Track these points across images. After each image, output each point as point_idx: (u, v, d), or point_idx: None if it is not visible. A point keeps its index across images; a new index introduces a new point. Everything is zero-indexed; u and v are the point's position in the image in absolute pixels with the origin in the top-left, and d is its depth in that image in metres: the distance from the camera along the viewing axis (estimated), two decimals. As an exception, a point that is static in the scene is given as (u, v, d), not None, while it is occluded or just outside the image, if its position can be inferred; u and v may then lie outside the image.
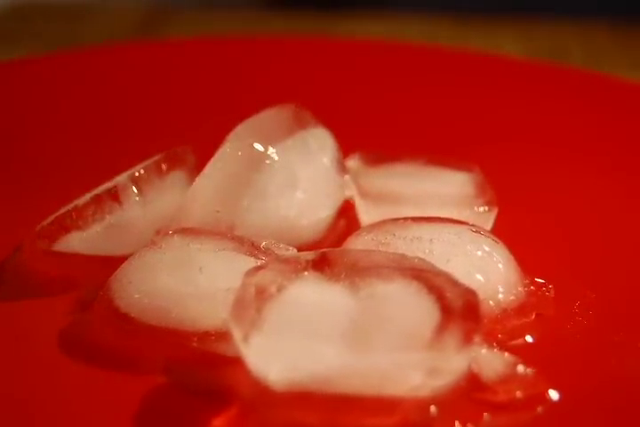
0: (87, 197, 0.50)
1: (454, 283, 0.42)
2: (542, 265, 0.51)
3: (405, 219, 0.49)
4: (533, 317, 0.47)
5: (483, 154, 0.63)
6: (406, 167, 0.57)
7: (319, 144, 0.53)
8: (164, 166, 0.52)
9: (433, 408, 0.40)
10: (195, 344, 0.44)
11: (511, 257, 0.48)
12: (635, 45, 1.07)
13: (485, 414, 0.42)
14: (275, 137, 0.51)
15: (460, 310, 0.40)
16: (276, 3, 1.31)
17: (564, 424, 0.42)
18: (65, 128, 0.68)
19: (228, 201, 0.50)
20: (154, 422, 0.42)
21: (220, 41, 0.84)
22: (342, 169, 0.54)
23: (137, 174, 0.51)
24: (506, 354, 0.43)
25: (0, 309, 0.49)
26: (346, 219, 0.55)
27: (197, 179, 0.50)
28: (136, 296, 0.45)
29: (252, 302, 0.41)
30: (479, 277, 0.46)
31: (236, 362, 0.40)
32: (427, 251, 0.47)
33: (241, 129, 0.51)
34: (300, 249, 0.49)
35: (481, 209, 0.52)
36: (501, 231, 0.52)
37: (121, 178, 0.51)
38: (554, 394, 0.43)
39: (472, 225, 0.49)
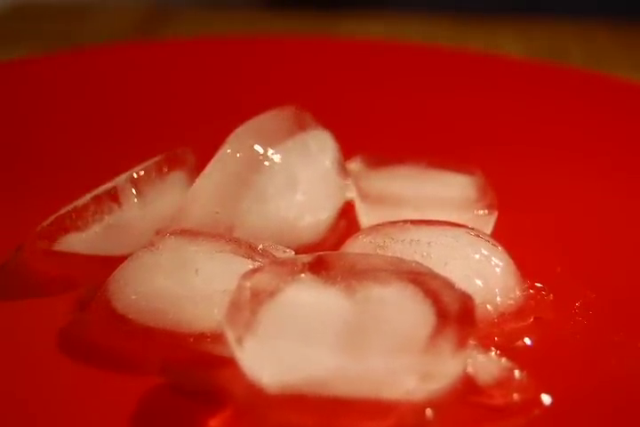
0: (87, 197, 0.51)
1: (451, 287, 0.42)
2: (542, 267, 0.51)
3: (404, 222, 0.49)
4: (531, 320, 0.47)
5: (482, 154, 0.64)
6: (407, 170, 0.57)
7: (319, 146, 0.53)
8: (163, 167, 0.53)
9: (429, 412, 0.40)
10: (191, 345, 0.44)
11: (510, 261, 0.48)
12: (635, 45, 1.07)
13: (482, 417, 0.42)
14: (275, 139, 0.51)
15: (455, 315, 0.40)
16: (276, 3, 1.31)
17: (564, 425, 0.42)
18: (65, 128, 0.68)
19: (228, 202, 0.50)
20: (149, 422, 0.42)
21: (219, 41, 0.84)
22: (343, 171, 0.54)
23: (136, 175, 0.51)
24: (502, 358, 0.43)
25: (0, 308, 0.49)
26: (346, 220, 0.55)
27: (197, 180, 0.50)
28: (133, 297, 0.45)
29: (247, 305, 0.41)
30: (477, 280, 0.46)
31: (232, 363, 0.40)
32: (424, 254, 0.47)
33: (241, 130, 0.51)
34: (299, 250, 0.49)
35: (481, 212, 0.52)
36: (501, 234, 0.52)
37: (120, 179, 0.51)
38: (553, 395, 0.43)
39: (471, 228, 0.49)
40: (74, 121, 0.70)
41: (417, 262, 0.44)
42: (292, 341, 0.39)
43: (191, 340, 0.44)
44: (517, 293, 0.47)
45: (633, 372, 0.46)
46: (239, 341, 0.39)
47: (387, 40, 0.89)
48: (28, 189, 0.60)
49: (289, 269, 0.43)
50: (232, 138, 0.51)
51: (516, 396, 0.42)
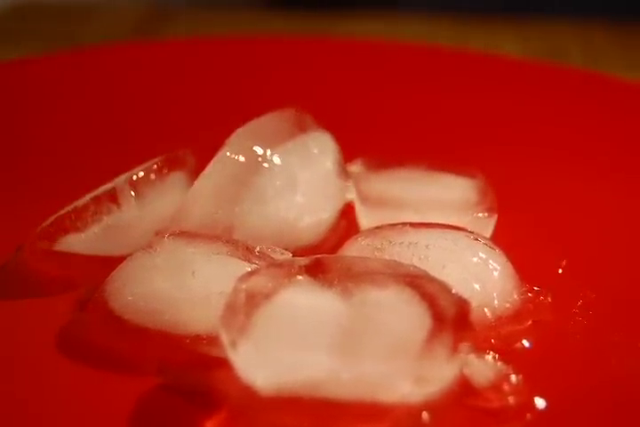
0: (86, 198, 0.51)
1: (448, 291, 0.42)
2: (542, 269, 0.52)
3: (403, 224, 0.49)
4: (529, 323, 0.47)
5: (481, 154, 0.64)
6: (408, 172, 0.57)
7: (320, 147, 0.53)
8: (163, 168, 0.53)
9: (424, 415, 0.40)
10: (187, 347, 0.44)
11: (508, 264, 0.48)
12: (633, 45, 1.07)
13: (478, 420, 0.42)
14: (275, 140, 0.51)
15: (451, 319, 0.40)
16: (276, 3, 1.30)
17: (563, 426, 0.42)
18: (65, 129, 0.68)
19: (228, 203, 0.50)
20: (144, 422, 0.42)
21: (219, 41, 0.84)
22: (343, 173, 0.54)
23: (136, 176, 0.52)
24: (498, 362, 0.43)
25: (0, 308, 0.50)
26: (346, 222, 0.55)
27: (197, 181, 0.50)
28: (130, 299, 0.46)
29: (243, 308, 0.41)
30: (474, 284, 0.46)
31: (228, 365, 0.40)
32: (422, 257, 0.47)
33: (241, 132, 0.51)
34: (299, 252, 0.49)
35: (481, 215, 0.52)
36: (501, 236, 0.52)
37: (120, 180, 0.51)
38: (553, 395, 0.43)
39: (470, 231, 0.49)
40: (74, 121, 0.70)
41: (414, 266, 0.44)
42: (287, 345, 0.40)
43: (187, 341, 0.45)
44: (515, 296, 0.47)
45: (633, 372, 0.46)
46: (234, 344, 0.40)
47: (386, 40, 0.88)
48: (28, 189, 0.60)
49: (285, 272, 0.43)
50: (232, 139, 0.51)
51: (511, 399, 0.42)
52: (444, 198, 0.54)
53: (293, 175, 0.51)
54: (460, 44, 0.99)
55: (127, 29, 1.11)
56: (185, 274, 0.45)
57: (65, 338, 0.46)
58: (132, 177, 0.51)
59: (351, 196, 0.54)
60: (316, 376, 0.39)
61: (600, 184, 0.61)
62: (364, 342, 0.40)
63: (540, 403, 0.43)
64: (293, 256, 0.47)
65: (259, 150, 0.50)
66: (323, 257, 0.44)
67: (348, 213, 0.55)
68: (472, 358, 0.43)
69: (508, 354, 0.45)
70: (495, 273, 0.47)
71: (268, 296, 0.41)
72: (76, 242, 0.50)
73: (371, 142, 0.65)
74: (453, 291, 0.42)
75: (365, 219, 0.53)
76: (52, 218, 0.50)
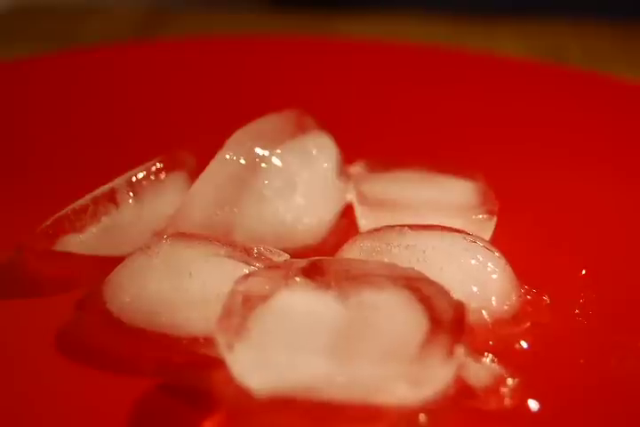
0: (85, 199, 0.51)
1: (445, 294, 0.42)
2: (541, 269, 0.51)
3: (402, 226, 0.49)
4: (528, 325, 0.47)
5: (481, 155, 0.64)
6: (409, 174, 0.57)
7: (319, 149, 0.53)
8: (162, 169, 0.53)
9: (421, 416, 0.40)
10: (184, 348, 0.45)
11: (507, 267, 0.48)
12: (633, 45, 1.07)
13: (476, 422, 0.42)
14: (275, 141, 0.51)
15: (448, 322, 0.40)
16: (275, 3, 1.31)
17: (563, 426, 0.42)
18: (64, 129, 0.68)
19: (227, 204, 0.50)
20: (141, 422, 0.42)
21: (219, 41, 0.84)
22: (343, 174, 0.54)
23: (134, 177, 0.52)
24: (494, 364, 0.44)
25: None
26: (346, 223, 0.55)
27: (196, 181, 0.51)
28: (127, 300, 0.46)
29: (239, 311, 0.41)
30: (472, 286, 0.46)
31: (225, 365, 0.40)
32: (420, 259, 0.47)
33: (241, 133, 0.51)
34: (298, 253, 0.49)
35: (480, 217, 0.52)
36: (501, 239, 0.52)
37: (118, 180, 0.52)
38: (553, 395, 0.43)
39: (468, 234, 0.49)
40: (74, 121, 0.70)
41: (412, 268, 0.44)
42: (283, 348, 0.40)
43: (184, 343, 0.45)
44: (514, 298, 0.47)
45: (633, 372, 0.46)
46: (230, 347, 0.40)
47: (384, 40, 0.88)
48: (27, 189, 0.60)
49: (282, 275, 0.43)
50: (232, 140, 0.51)
51: (509, 401, 0.42)
52: (444, 200, 0.54)
53: (293, 176, 0.51)
54: (458, 44, 0.99)
55: (127, 29, 1.11)
56: (182, 276, 0.45)
57: (64, 338, 0.46)
58: (130, 177, 0.51)
59: (351, 197, 0.54)
60: (313, 379, 0.39)
61: (600, 185, 0.61)
62: (360, 344, 0.40)
63: (538, 404, 0.43)
64: (292, 257, 0.47)
65: (259, 151, 0.50)
66: (320, 259, 0.44)
67: (348, 213, 0.55)
68: (469, 360, 0.43)
69: (506, 356, 0.45)
70: (494, 275, 0.47)
71: (264, 299, 0.41)
72: (75, 242, 0.50)
73: (370, 143, 0.65)
74: (451, 294, 0.42)
75: (365, 220, 0.53)
76: (52, 219, 0.50)
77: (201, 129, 0.68)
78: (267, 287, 0.42)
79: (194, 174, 0.53)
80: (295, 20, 1.13)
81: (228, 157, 0.50)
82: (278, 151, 0.51)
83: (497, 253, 0.48)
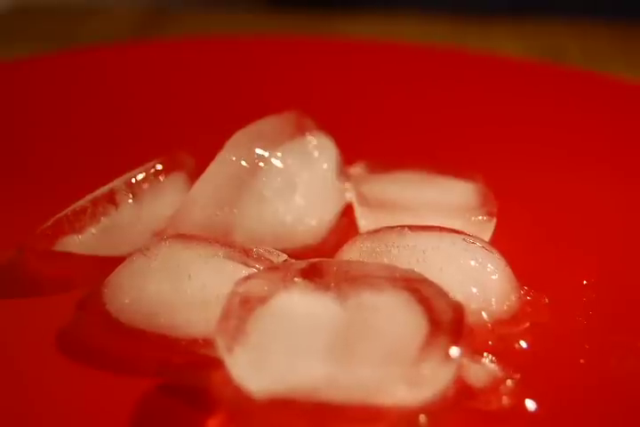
0: (85, 199, 0.51)
1: (444, 295, 0.42)
2: (541, 270, 0.51)
3: (402, 227, 0.49)
4: (527, 325, 0.47)
5: (480, 156, 0.64)
6: (408, 175, 0.57)
7: (319, 150, 0.53)
8: (161, 170, 0.53)
9: (421, 417, 0.40)
10: (183, 349, 0.45)
11: (506, 267, 0.48)
12: (631, 45, 1.07)
13: (475, 422, 0.42)
14: (274, 142, 0.51)
15: (447, 324, 0.40)
16: (273, 3, 1.31)
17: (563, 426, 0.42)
18: (64, 129, 0.68)
19: (227, 205, 0.50)
20: (141, 422, 0.42)
21: (218, 41, 0.84)
22: (342, 174, 0.54)
23: (133, 178, 0.52)
24: (493, 364, 0.44)
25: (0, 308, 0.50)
26: (346, 223, 0.55)
27: (197, 182, 0.51)
28: (126, 302, 0.46)
29: (238, 314, 0.41)
30: (472, 286, 0.46)
31: (224, 366, 0.40)
32: (420, 259, 0.47)
33: (241, 134, 0.51)
34: (298, 253, 0.49)
35: (480, 218, 0.52)
36: (500, 240, 0.52)
37: (118, 181, 0.52)
38: (553, 396, 0.43)
39: (468, 235, 0.49)
40: (73, 122, 0.70)
41: (411, 269, 0.44)
42: (282, 350, 0.40)
43: (183, 344, 0.45)
44: (513, 299, 0.47)
45: (633, 372, 0.46)
46: (229, 350, 0.40)
47: (384, 40, 0.88)
48: (27, 190, 0.60)
49: (281, 276, 0.43)
50: (232, 141, 0.51)
51: (509, 401, 0.42)
52: (444, 201, 0.54)
53: (293, 177, 0.51)
54: (458, 44, 0.99)
55: (126, 30, 1.11)
56: (181, 277, 0.45)
57: (64, 338, 0.47)
58: (129, 178, 0.52)
59: (351, 197, 0.54)
60: (311, 382, 0.39)
61: (600, 185, 0.61)
62: (359, 346, 0.40)
63: (538, 405, 0.42)
64: (292, 258, 0.47)
65: (258, 152, 0.51)
66: (319, 261, 0.44)
67: (348, 214, 0.55)
68: (469, 360, 0.43)
69: (506, 356, 0.45)
70: (493, 276, 0.47)
71: (263, 301, 0.41)
72: (75, 243, 0.50)
73: (369, 143, 0.65)
74: (450, 295, 0.42)
75: (365, 221, 0.53)
76: (52, 219, 0.50)
77: (200, 129, 0.68)
78: (266, 289, 0.42)
79: (193, 175, 0.53)
80: (293, 20, 1.14)
81: (228, 158, 0.50)
82: (278, 152, 0.51)
83: (496, 254, 0.48)
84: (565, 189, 0.61)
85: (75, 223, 0.50)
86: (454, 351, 0.39)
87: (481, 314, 0.46)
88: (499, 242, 0.51)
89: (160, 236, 0.49)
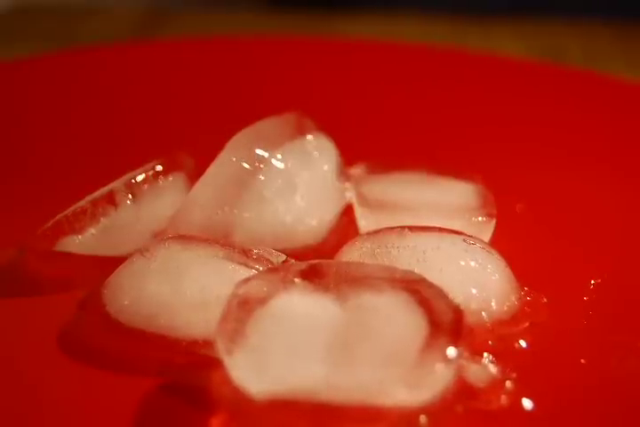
0: (85, 200, 0.51)
1: (444, 297, 0.42)
2: (541, 271, 0.51)
3: (402, 228, 0.49)
4: (526, 325, 0.47)
5: (480, 156, 0.64)
6: (409, 176, 0.57)
7: (319, 150, 0.53)
8: (161, 170, 0.53)
9: (421, 417, 0.40)
10: (183, 350, 0.45)
11: (506, 268, 0.48)
12: (632, 44, 1.07)
13: (475, 422, 0.42)
14: (275, 143, 0.51)
15: (447, 326, 0.40)
16: (273, 3, 1.31)
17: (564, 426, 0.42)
18: (64, 130, 0.68)
19: (228, 205, 0.50)
20: (141, 422, 0.42)
21: (218, 41, 0.84)
22: (342, 175, 0.54)
23: (133, 178, 0.52)
24: (496, 364, 0.44)
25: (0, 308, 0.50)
26: (346, 224, 0.55)
27: (197, 183, 0.51)
28: (125, 303, 0.46)
29: (238, 316, 0.41)
30: (472, 287, 0.46)
31: (224, 366, 0.40)
32: (420, 260, 0.47)
33: (241, 135, 0.51)
34: (298, 253, 0.49)
35: (479, 219, 0.52)
36: (500, 241, 0.52)
37: (117, 182, 0.52)
38: (552, 396, 0.43)
39: (468, 235, 0.49)
40: (73, 122, 0.70)
41: (411, 271, 0.44)
42: (281, 353, 0.40)
43: (183, 345, 0.45)
44: (513, 300, 0.47)
45: (633, 372, 0.46)
46: (229, 352, 0.40)
47: (384, 41, 0.88)
48: (28, 191, 0.60)
49: (281, 278, 0.43)
50: (233, 142, 0.51)
51: (507, 401, 0.42)
52: (444, 202, 0.54)
53: (293, 177, 0.51)
54: (458, 44, 0.99)
55: (126, 30, 1.11)
56: (181, 279, 0.45)
57: (64, 338, 0.47)
58: (129, 179, 0.52)
59: (351, 198, 0.54)
60: (311, 384, 0.39)
61: (600, 185, 0.61)
62: (359, 348, 0.40)
63: (538, 405, 0.43)
64: (292, 258, 0.47)
65: (259, 153, 0.51)
66: (318, 262, 0.44)
67: (348, 214, 0.55)
68: (469, 360, 0.43)
69: (506, 356, 0.45)
70: (493, 277, 0.47)
71: (262, 302, 0.41)
72: (75, 243, 0.51)
73: (370, 143, 0.65)
74: (449, 296, 0.42)
75: (365, 221, 0.53)
76: (52, 220, 0.51)
77: (199, 130, 0.68)
78: (265, 290, 0.42)
79: (192, 176, 0.53)
80: (293, 20, 1.14)
81: (228, 158, 0.50)
82: (278, 153, 0.51)
83: (496, 255, 0.48)
84: (565, 189, 0.61)
85: (75, 224, 0.50)
86: (454, 353, 0.39)
87: (481, 314, 0.46)
88: (498, 243, 0.51)
89: (160, 236, 0.49)
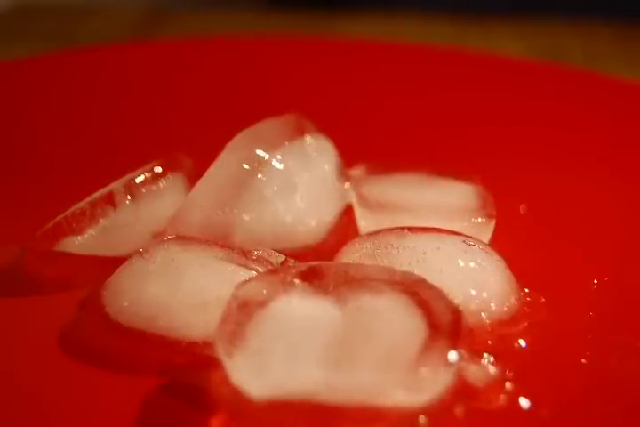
0: (85, 201, 0.51)
1: (443, 297, 0.42)
2: (540, 272, 0.51)
3: (401, 228, 0.49)
4: (525, 325, 0.47)
5: (480, 156, 0.64)
6: (408, 177, 0.57)
7: (319, 151, 0.53)
8: (161, 172, 0.53)
9: (421, 417, 0.40)
10: (183, 351, 0.45)
11: (506, 269, 0.48)
12: (632, 45, 1.07)
13: (475, 422, 0.42)
14: (275, 144, 0.51)
15: (446, 328, 0.40)
16: (273, 3, 1.31)
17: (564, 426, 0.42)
18: (64, 130, 0.68)
19: (228, 206, 0.50)
20: (141, 422, 0.42)
21: (218, 42, 0.84)
22: (342, 176, 0.54)
23: (132, 179, 0.52)
24: (495, 365, 0.44)
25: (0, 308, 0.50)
26: (347, 224, 0.55)
27: (197, 183, 0.51)
28: (125, 304, 0.46)
29: (238, 318, 0.41)
30: (471, 288, 0.46)
31: (224, 367, 0.40)
32: (420, 260, 0.47)
33: (241, 136, 0.51)
34: (298, 254, 0.49)
35: (479, 220, 0.52)
36: (499, 241, 0.52)
37: (117, 183, 0.52)
38: (552, 396, 0.43)
39: (467, 236, 0.49)
40: (73, 122, 0.70)
41: (410, 272, 0.44)
42: (281, 355, 0.40)
43: (183, 346, 0.45)
44: (512, 300, 0.47)
45: (633, 372, 0.46)
46: (229, 354, 0.40)
47: (384, 41, 0.88)
48: (28, 192, 0.60)
49: (280, 279, 0.43)
50: (233, 143, 0.51)
51: (507, 401, 0.42)
52: (443, 203, 0.54)
53: (293, 178, 0.51)
54: (458, 44, 0.99)
55: (126, 29, 1.11)
56: (180, 280, 0.45)
57: (63, 339, 0.47)
58: (128, 180, 0.52)
59: (351, 199, 0.54)
60: (310, 386, 0.39)
61: (600, 185, 0.61)
62: (358, 351, 0.40)
63: (538, 405, 0.43)
64: (292, 258, 0.47)
65: (259, 154, 0.51)
66: (318, 264, 0.44)
67: (348, 215, 0.55)
68: (468, 361, 0.43)
69: (505, 356, 0.45)
70: (493, 277, 0.47)
71: (262, 305, 0.41)
72: (75, 244, 0.51)
73: (369, 144, 0.65)
74: (449, 297, 0.42)
75: (365, 222, 0.53)
76: (53, 221, 0.51)
77: (199, 130, 0.68)
78: (265, 292, 0.42)
79: (191, 176, 0.53)
80: (293, 20, 1.14)
81: (228, 159, 0.50)
82: (278, 154, 0.51)
83: (496, 256, 0.48)
84: (565, 189, 0.61)
85: (74, 224, 0.50)
86: (453, 355, 0.39)
87: (480, 315, 0.46)
88: (498, 243, 0.51)
89: (160, 237, 0.49)
